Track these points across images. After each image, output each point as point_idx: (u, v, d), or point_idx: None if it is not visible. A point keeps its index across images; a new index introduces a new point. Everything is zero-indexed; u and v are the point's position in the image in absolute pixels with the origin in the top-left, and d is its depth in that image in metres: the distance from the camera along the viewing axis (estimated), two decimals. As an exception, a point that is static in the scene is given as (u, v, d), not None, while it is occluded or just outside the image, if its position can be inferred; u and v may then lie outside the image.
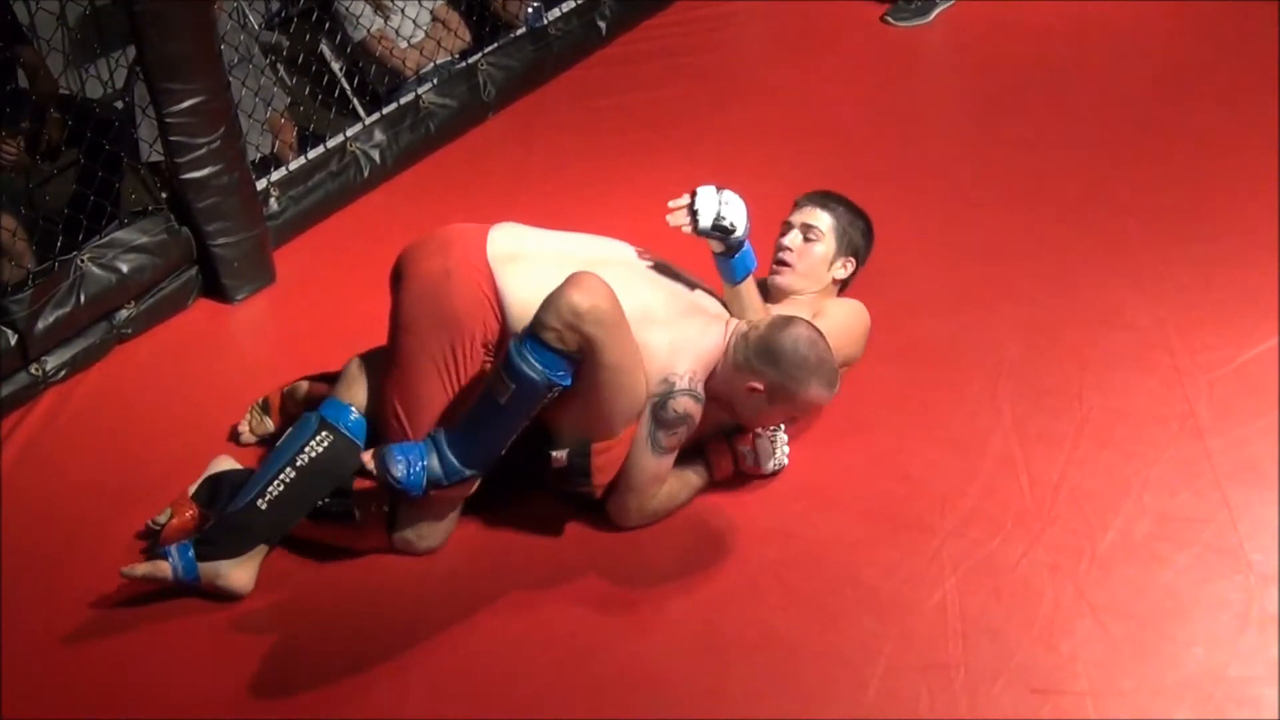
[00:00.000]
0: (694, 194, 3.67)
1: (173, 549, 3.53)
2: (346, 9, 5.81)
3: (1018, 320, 4.35)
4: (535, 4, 5.99)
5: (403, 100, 5.51)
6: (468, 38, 6.01)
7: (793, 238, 4.08)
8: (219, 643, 3.51)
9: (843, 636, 3.39)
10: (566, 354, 3.33)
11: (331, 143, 5.23)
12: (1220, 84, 5.64)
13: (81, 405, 4.27)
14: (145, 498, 3.86)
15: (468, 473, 3.45)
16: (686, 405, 3.54)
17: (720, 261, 3.76)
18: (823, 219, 4.09)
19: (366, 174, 5.28)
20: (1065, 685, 3.23)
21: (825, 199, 4.14)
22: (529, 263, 3.59)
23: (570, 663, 3.37)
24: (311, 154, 5.17)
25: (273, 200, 4.94)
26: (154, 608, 3.58)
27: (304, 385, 4.02)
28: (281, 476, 3.53)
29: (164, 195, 4.65)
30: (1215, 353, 4.16)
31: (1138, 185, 5.01)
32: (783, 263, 4.08)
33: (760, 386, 3.55)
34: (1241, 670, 3.23)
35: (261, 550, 3.60)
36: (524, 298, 3.51)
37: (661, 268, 3.74)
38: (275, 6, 6.15)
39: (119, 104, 5.23)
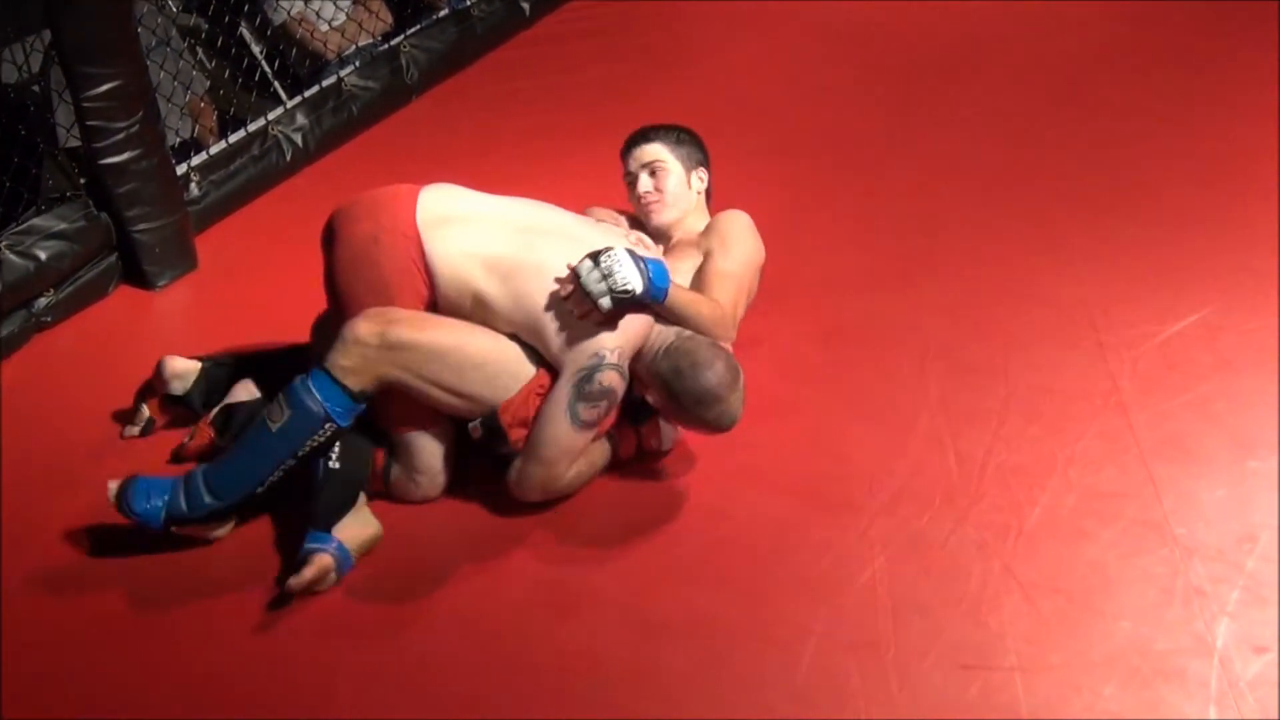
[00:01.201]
0: (575, 274, 3.51)
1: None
2: (267, -9, 5.76)
3: (942, 298, 4.37)
4: (457, -15, 5.96)
5: (325, 83, 5.46)
6: (389, 20, 5.97)
7: (643, 182, 4.13)
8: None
9: (773, 616, 3.39)
10: (351, 394, 3.42)
11: (253, 126, 5.18)
12: (1142, 59, 5.70)
13: (1, 394, 4.20)
14: (68, 486, 3.81)
15: (216, 504, 3.46)
16: (612, 380, 3.54)
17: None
18: (656, 150, 4.14)
19: (289, 158, 5.23)
20: (994, 661, 3.25)
21: (643, 134, 4.19)
22: (459, 226, 3.59)
23: (499, 647, 3.35)
24: (232, 138, 5.12)
25: (193, 185, 4.88)
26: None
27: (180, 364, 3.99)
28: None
29: (82, 181, 4.58)
30: (1138, 329, 4.21)
31: (1059, 161, 5.06)
32: (647, 207, 4.12)
33: (652, 401, 3.66)
34: (1168, 643, 3.27)
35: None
36: (453, 263, 3.53)
37: (597, 234, 3.70)
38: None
39: (35, 88, 5.15)
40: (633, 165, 4.15)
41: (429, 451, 3.67)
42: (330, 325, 3.66)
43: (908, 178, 4.99)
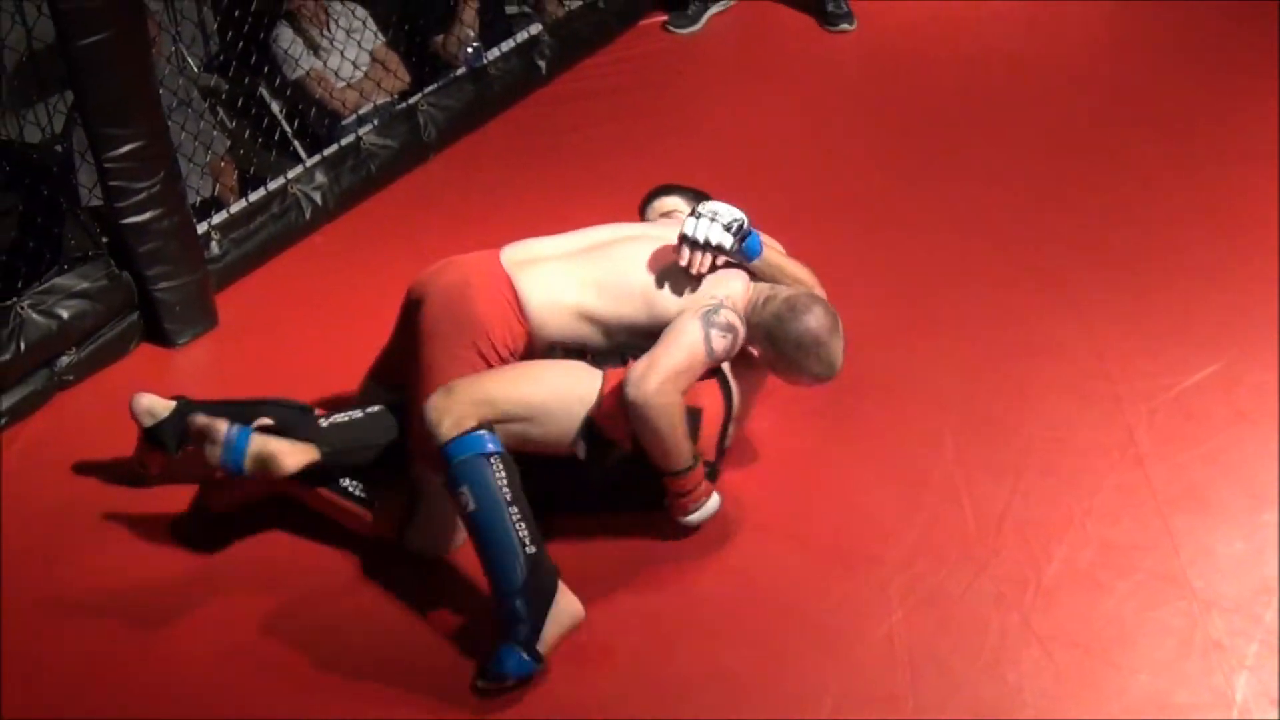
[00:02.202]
0: (685, 237, 3.69)
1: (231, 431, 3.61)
2: (284, 51, 5.80)
3: (957, 351, 4.38)
4: (475, 44, 6.00)
5: (343, 142, 5.50)
6: (407, 78, 6.01)
7: None
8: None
9: (791, 671, 3.40)
10: (473, 430, 3.42)
11: (272, 185, 5.21)
12: (1159, 113, 5.72)
13: (23, 453, 4.22)
14: (88, 545, 3.83)
15: (522, 578, 3.38)
16: (734, 319, 3.63)
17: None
18: (675, 201, 4.17)
19: (308, 216, 5.26)
20: (1012, 714, 3.26)
21: (663, 188, 4.25)
22: (542, 264, 3.72)
23: (516, 700, 3.36)
24: (252, 197, 5.15)
25: (214, 244, 4.91)
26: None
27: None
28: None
29: (104, 240, 4.61)
30: (1154, 381, 4.22)
31: (1076, 216, 5.07)
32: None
33: (756, 354, 3.74)
34: (1187, 696, 3.27)
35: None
36: (543, 299, 3.66)
37: (664, 229, 3.84)
38: (213, 49, 6.14)
39: (58, 148, 5.19)
40: (651, 215, 4.19)
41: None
42: (411, 388, 3.70)
43: (922, 232, 5.01)
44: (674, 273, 3.69)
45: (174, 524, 3.89)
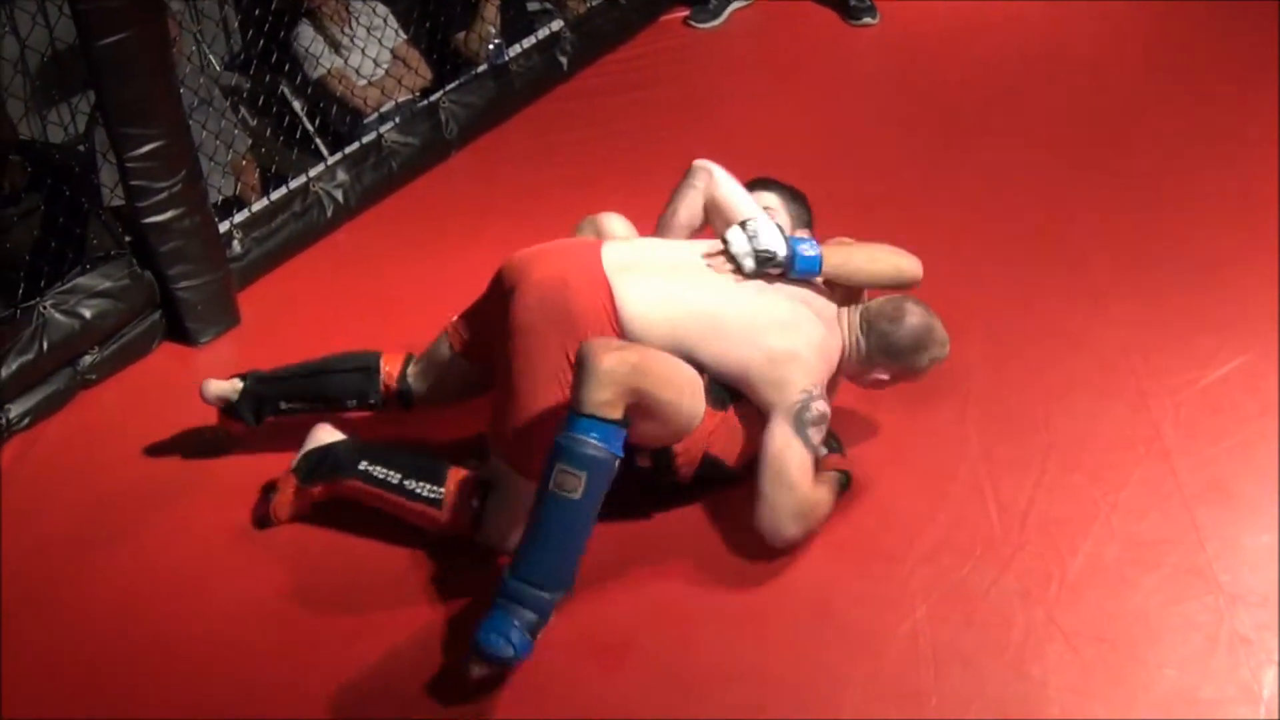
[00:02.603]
0: (725, 242, 3.75)
1: None
2: (305, 49, 5.81)
3: (982, 346, 4.36)
4: (496, 40, 5.99)
5: (365, 139, 5.50)
6: (428, 75, 6.01)
7: None
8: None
9: (814, 668, 3.39)
10: (619, 423, 3.34)
11: (294, 183, 5.22)
12: (1183, 104, 5.70)
13: (46, 453, 4.23)
14: (112, 544, 3.84)
15: (558, 594, 3.34)
16: (821, 409, 3.63)
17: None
18: (770, 198, 4.16)
19: (330, 214, 5.26)
20: (1038, 711, 3.24)
21: (762, 181, 4.23)
22: (642, 273, 3.68)
23: (538, 697, 3.35)
24: (274, 195, 5.15)
25: (236, 242, 4.92)
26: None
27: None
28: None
29: (127, 240, 4.62)
30: (1179, 375, 4.19)
31: (1099, 208, 5.05)
32: None
33: (887, 377, 3.82)
34: (1213, 692, 3.25)
35: None
36: (639, 310, 3.61)
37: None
38: (235, 48, 6.15)
39: (80, 148, 5.21)
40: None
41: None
42: (498, 377, 3.70)
43: (946, 226, 4.99)
44: (764, 326, 3.67)
45: (194, 525, 3.89)
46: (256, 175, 5.57)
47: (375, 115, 5.80)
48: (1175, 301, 4.52)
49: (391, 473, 3.70)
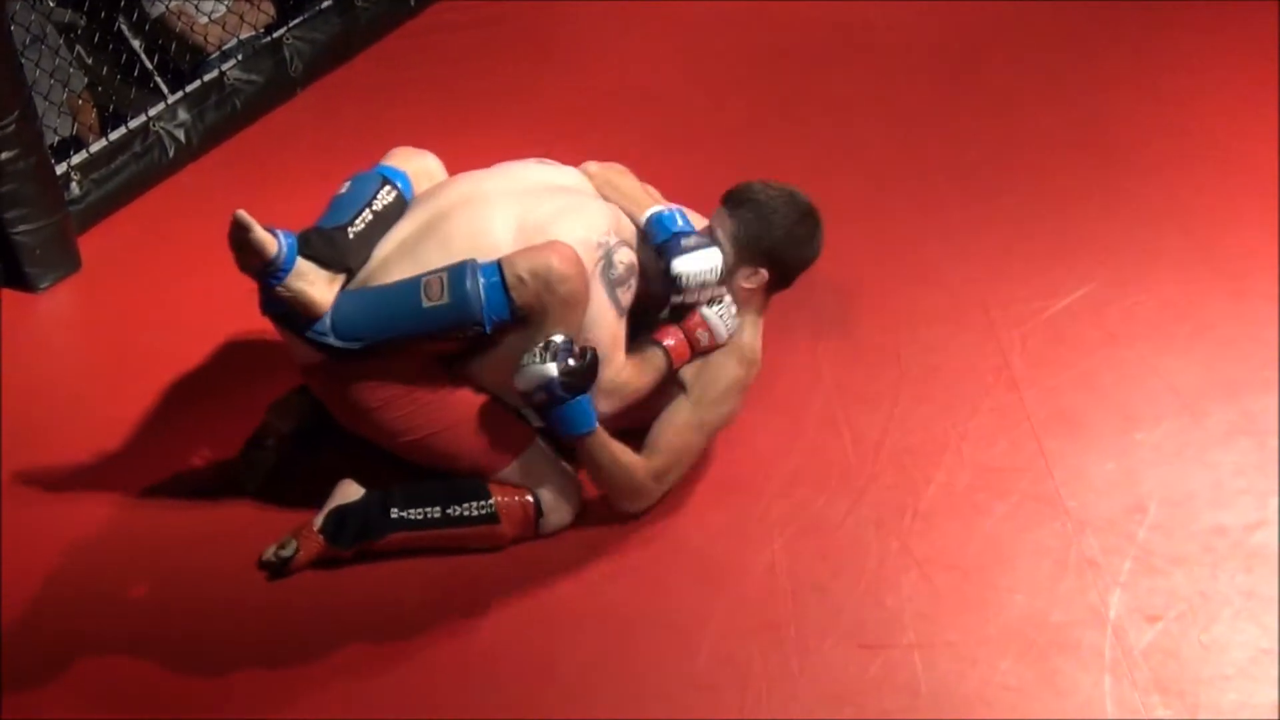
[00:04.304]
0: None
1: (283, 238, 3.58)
2: (144, -15, 5.66)
3: (833, 281, 4.38)
4: (340, -25, 5.89)
5: (206, 78, 5.37)
6: (271, 12, 5.88)
7: None
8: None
9: (673, 603, 3.40)
10: (512, 306, 3.30)
11: (134, 123, 5.09)
12: (1025, 37, 5.75)
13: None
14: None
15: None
16: (628, 255, 3.51)
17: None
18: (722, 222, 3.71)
19: (172, 154, 5.14)
20: (893, 639, 3.29)
21: (728, 199, 3.75)
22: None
23: (397, 643, 3.34)
24: (113, 135, 5.02)
25: (74, 184, 4.79)
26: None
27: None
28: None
29: (-42, 183, 4.49)
30: (1026, 305, 4.25)
31: (946, 143, 5.09)
32: None
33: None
34: (1062, 615, 3.32)
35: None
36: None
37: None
38: (69, -16, 5.97)
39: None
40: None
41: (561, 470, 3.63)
42: None
43: (797, 164, 4.98)
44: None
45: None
46: (94, 115, 5.41)
47: (217, 53, 5.66)
48: (1022, 234, 4.58)
49: (430, 509, 3.50)
